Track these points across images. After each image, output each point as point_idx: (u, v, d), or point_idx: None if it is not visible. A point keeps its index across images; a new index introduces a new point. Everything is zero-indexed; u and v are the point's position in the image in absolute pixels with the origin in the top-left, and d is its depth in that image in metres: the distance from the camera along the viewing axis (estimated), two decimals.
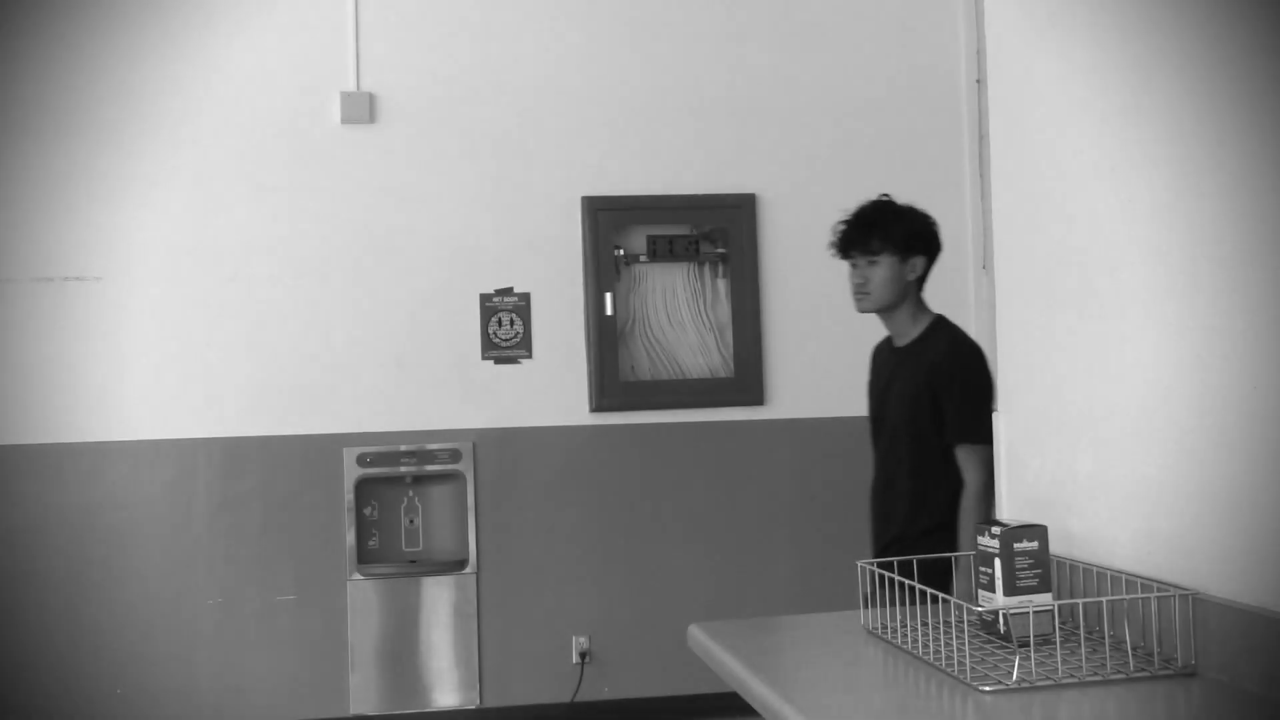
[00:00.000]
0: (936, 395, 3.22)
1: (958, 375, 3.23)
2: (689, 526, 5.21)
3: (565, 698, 5.05)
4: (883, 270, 3.30)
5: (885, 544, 3.37)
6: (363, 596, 4.96)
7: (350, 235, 5.06)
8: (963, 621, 2.01)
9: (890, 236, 3.29)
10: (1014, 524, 2.04)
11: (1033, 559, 1.99)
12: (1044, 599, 1.98)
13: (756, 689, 1.92)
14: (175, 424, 4.94)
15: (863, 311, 3.39)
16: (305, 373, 5.02)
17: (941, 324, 3.37)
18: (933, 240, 3.39)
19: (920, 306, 3.39)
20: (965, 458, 3.20)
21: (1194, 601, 1.84)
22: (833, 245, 3.39)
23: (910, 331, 3.34)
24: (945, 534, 3.21)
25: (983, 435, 3.09)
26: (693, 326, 5.32)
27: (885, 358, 3.45)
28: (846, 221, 3.36)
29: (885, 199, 3.42)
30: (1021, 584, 1.98)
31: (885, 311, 3.37)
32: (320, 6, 5.08)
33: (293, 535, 4.96)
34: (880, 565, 2.27)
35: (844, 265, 3.55)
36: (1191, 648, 1.84)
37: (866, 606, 2.24)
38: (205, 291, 4.98)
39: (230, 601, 4.93)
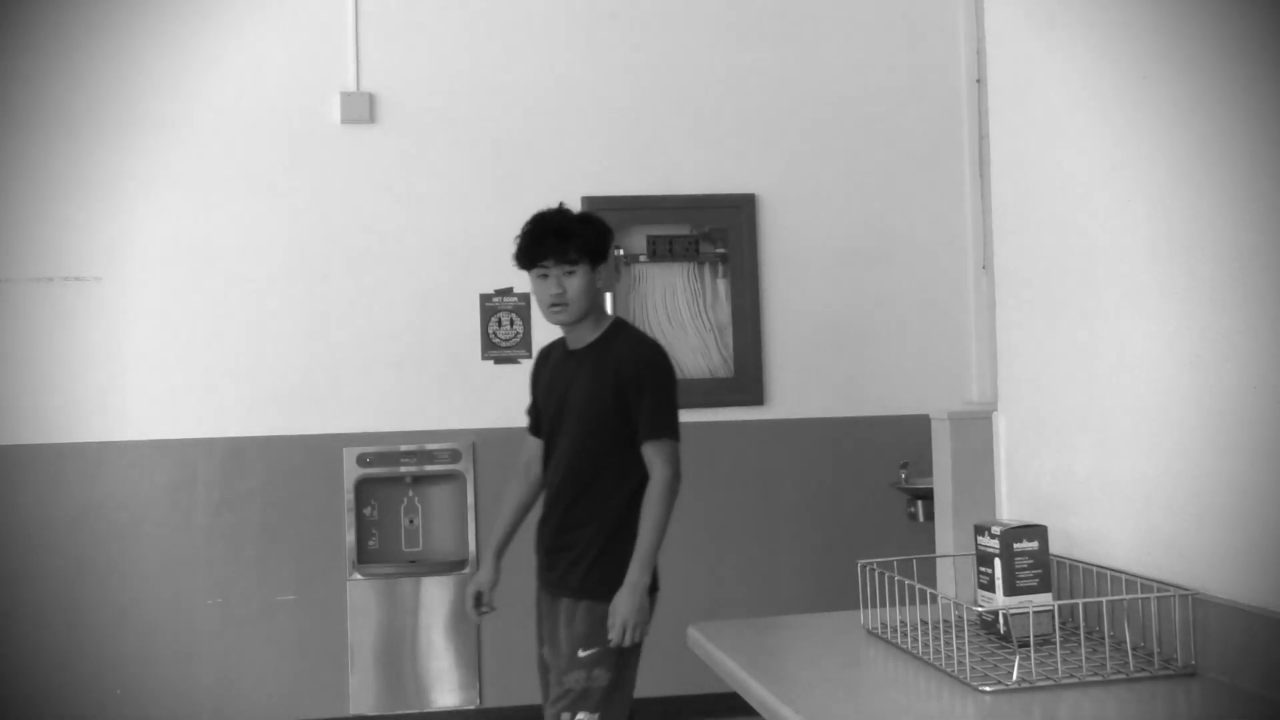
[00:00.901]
0: (624, 394, 3.16)
1: (647, 373, 3.20)
2: (689, 526, 5.20)
3: None
4: (579, 280, 3.17)
5: (558, 547, 3.28)
6: (362, 596, 4.96)
7: (350, 235, 5.06)
8: (963, 621, 2.01)
9: (587, 245, 3.18)
10: (1014, 524, 2.04)
11: (1033, 559, 1.99)
12: (1044, 599, 1.98)
13: (756, 689, 1.92)
14: (175, 424, 4.94)
15: (563, 324, 3.23)
16: (305, 373, 5.02)
17: (623, 324, 3.34)
18: (609, 248, 3.29)
19: (603, 310, 3.32)
20: (655, 452, 3.16)
21: (1194, 601, 1.84)
22: (523, 255, 3.20)
23: (590, 335, 3.26)
24: (628, 535, 3.19)
25: (671, 431, 3.19)
26: (693, 327, 5.32)
27: (559, 361, 3.31)
28: (538, 230, 3.19)
29: (565, 208, 3.29)
30: (1021, 584, 1.98)
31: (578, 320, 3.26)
32: (320, 6, 5.08)
33: (293, 535, 4.96)
34: (880, 565, 2.27)
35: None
36: (1191, 648, 1.84)
37: (867, 607, 2.24)
38: (205, 291, 4.98)
39: (230, 601, 4.93)
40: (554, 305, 3.19)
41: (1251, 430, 1.76)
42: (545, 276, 3.17)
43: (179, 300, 4.97)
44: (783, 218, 5.32)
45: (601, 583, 3.16)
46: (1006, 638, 1.97)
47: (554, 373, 3.32)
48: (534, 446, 3.41)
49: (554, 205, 3.30)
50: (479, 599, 3.40)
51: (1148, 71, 1.98)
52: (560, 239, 3.16)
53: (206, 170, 5.00)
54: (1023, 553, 1.99)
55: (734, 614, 4.85)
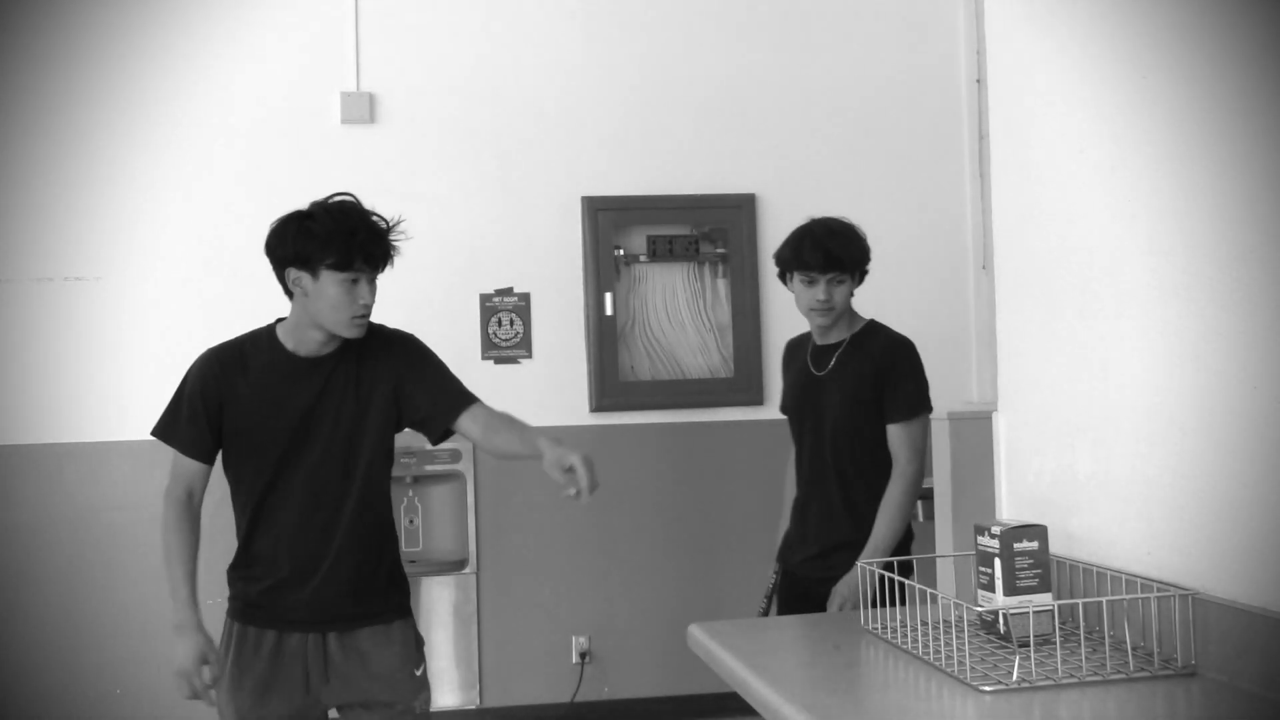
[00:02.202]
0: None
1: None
2: (689, 526, 5.22)
3: (565, 698, 5.05)
4: (376, 288, 2.90)
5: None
6: None
7: None
8: (963, 621, 2.01)
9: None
10: (1014, 524, 2.04)
11: (1033, 559, 1.99)
12: (1044, 599, 1.98)
13: (756, 689, 1.92)
14: None
15: (358, 335, 2.85)
16: None
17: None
18: None
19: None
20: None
21: (1194, 601, 1.84)
22: (344, 252, 2.75)
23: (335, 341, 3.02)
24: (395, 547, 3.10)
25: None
26: (693, 326, 5.32)
27: (284, 373, 2.87)
28: (371, 232, 2.81)
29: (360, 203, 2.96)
30: (1021, 584, 1.98)
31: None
32: (320, 6, 5.08)
33: None
34: (881, 565, 2.27)
35: None
36: (1191, 648, 1.84)
37: (867, 607, 2.25)
38: (205, 291, 4.98)
39: None
40: (363, 317, 2.79)
41: (1251, 430, 1.76)
42: (357, 282, 2.74)
43: (179, 300, 4.97)
44: (783, 218, 5.30)
45: (404, 597, 2.94)
46: (1006, 638, 1.97)
47: (279, 387, 2.83)
48: (197, 474, 3.02)
49: (341, 195, 2.85)
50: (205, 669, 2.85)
51: (1147, 71, 1.98)
52: (386, 247, 2.82)
53: (207, 170, 5.00)
54: (1023, 553, 1.99)
55: (734, 614, 4.85)
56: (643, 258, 5.27)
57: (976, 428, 4.28)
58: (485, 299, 5.12)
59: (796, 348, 3.61)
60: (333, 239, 2.73)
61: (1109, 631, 1.91)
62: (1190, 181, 1.88)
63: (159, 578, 4.89)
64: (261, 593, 2.89)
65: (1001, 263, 2.50)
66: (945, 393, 5.18)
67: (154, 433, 2.99)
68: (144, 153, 4.96)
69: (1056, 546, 2.14)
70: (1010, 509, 2.43)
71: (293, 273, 2.78)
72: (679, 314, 5.32)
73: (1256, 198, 1.74)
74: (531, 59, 5.21)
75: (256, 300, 5.01)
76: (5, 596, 4.81)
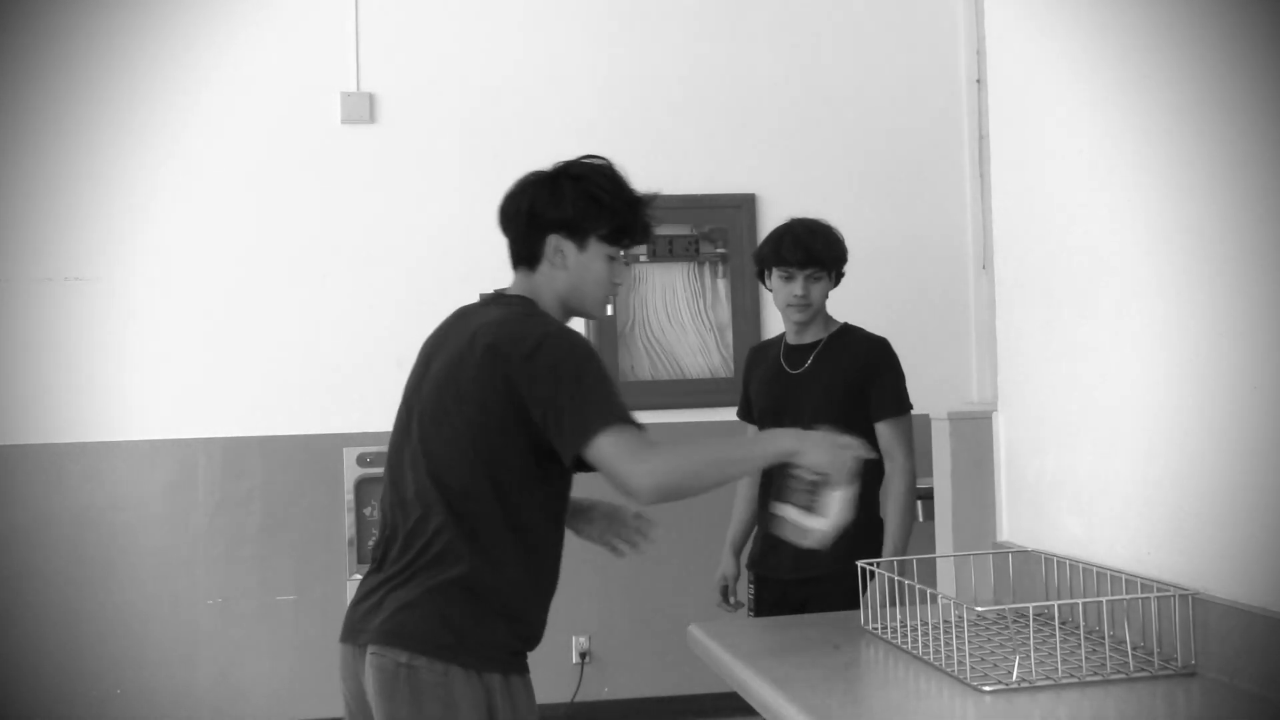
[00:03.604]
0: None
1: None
2: (689, 527, 5.21)
3: (565, 698, 5.05)
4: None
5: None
6: None
7: (350, 235, 5.06)
8: (963, 621, 2.01)
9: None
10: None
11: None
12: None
13: (756, 689, 1.93)
14: (175, 424, 4.93)
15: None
16: (305, 373, 5.02)
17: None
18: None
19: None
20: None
21: (1194, 601, 1.84)
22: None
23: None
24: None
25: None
26: (693, 326, 5.32)
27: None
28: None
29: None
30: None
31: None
32: (320, 6, 5.08)
33: (293, 535, 4.96)
34: (881, 565, 2.27)
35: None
36: (1191, 648, 1.84)
37: (866, 607, 2.24)
38: (205, 291, 4.98)
39: (230, 601, 4.93)
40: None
41: (1251, 430, 1.76)
42: (614, 259, 2.50)
43: (179, 300, 4.96)
44: (783, 218, 5.27)
45: None
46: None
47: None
48: None
49: (592, 157, 2.67)
50: None
51: (1147, 72, 1.98)
52: (650, 223, 2.62)
53: (207, 170, 5.00)
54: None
55: (734, 613, 4.84)
56: (643, 258, 5.27)
57: (976, 428, 4.28)
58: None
59: (762, 351, 3.62)
60: (617, 207, 2.42)
61: (1109, 631, 1.92)
62: (1190, 182, 1.88)
63: (158, 578, 4.92)
64: (533, 631, 2.38)
65: (1001, 263, 2.50)
66: (945, 393, 5.19)
67: (620, 419, 2.27)
68: (144, 153, 4.96)
69: (1057, 546, 2.15)
70: (1010, 509, 2.43)
71: (556, 240, 2.41)
72: (679, 314, 5.32)
73: (1256, 198, 1.74)
74: (532, 59, 5.20)
75: (256, 300, 5.03)
76: (5, 596, 4.80)
